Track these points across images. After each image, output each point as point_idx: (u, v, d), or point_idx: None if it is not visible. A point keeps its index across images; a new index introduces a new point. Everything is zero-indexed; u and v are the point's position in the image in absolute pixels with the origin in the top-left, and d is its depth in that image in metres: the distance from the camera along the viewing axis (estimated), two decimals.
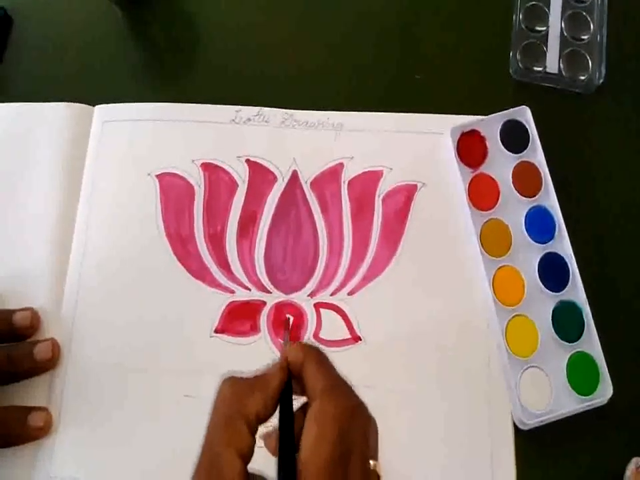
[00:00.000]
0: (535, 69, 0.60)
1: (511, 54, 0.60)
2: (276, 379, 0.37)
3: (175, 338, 0.53)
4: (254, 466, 0.35)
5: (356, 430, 0.35)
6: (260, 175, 0.57)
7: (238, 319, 0.53)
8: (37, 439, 0.49)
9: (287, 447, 0.35)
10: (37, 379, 0.51)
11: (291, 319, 0.53)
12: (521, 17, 0.61)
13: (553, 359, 0.51)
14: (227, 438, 0.34)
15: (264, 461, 0.35)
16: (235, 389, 0.36)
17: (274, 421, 0.37)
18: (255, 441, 0.35)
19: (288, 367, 0.38)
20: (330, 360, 0.38)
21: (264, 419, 0.36)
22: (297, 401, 0.37)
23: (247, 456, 0.34)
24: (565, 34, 0.61)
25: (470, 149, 0.57)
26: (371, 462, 0.35)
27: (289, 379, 0.37)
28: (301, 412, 0.36)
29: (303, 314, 0.53)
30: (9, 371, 0.50)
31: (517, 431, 0.50)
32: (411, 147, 0.58)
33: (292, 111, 0.59)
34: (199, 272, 0.54)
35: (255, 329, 0.53)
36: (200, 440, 0.49)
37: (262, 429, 0.36)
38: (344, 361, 0.38)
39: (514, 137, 0.57)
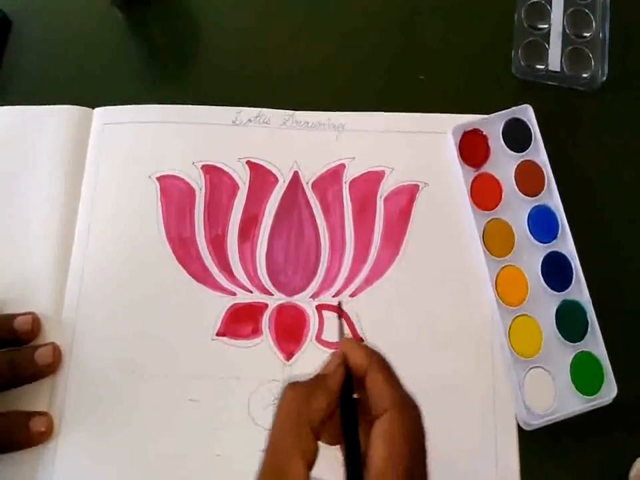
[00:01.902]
0: (537, 67, 0.60)
1: (513, 52, 0.60)
2: (336, 377, 0.37)
3: (176, 341, 0.52)
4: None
5: (422, 448, 0.35)
6: (261, 176, 0.57)
7: (240, 321, 0.53)
8: (39, 443, 0.49)
9: (352, 451, 0.35)
10: (38, 384, 0.50)
11: (330, 312, 0.52)
12: (522, 14, 0.61)
13: (557, 358, 0.51)
14: (294, 444, 0.34)
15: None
16: (298, 394, 0.36)
17: None
18: (319, 446, 0.35)
19: (346, 364, 0.37)
20: (393, 369, 0.37)
21: (326, 419, 0.35)
22: None
23: (311, 462, 0.34)
24: (567, 31, 0.61)
25: (472, 148, 0.56)
26: None
27: (349, 381, 0.37)
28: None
29: (305, 316, 0.53)
30: (10, 376, 0.49)
31: (521, 431, 0.50)
32: (413, 146, 0.57)
33: (293, 111, 0.59)
34: (201, 274, 0.54)
35: (257, 331, 0.53)
36: (202, 443, 0.50)
37: None
38: None
39: (516, 136, 0.56)
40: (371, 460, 0.33)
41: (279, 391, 0.37)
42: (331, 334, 0.52)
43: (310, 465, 0.34)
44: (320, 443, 0.35)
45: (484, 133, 0.57)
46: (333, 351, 0.40)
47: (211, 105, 0.59)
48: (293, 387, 0.36)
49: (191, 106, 0.59)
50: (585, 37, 0.61)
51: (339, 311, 0.50)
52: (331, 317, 0.53)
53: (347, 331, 0.43)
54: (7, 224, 0.56)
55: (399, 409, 0.35)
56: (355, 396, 0.37)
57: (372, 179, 0.57)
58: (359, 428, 0.36)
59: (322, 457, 0.35)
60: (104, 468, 0.49)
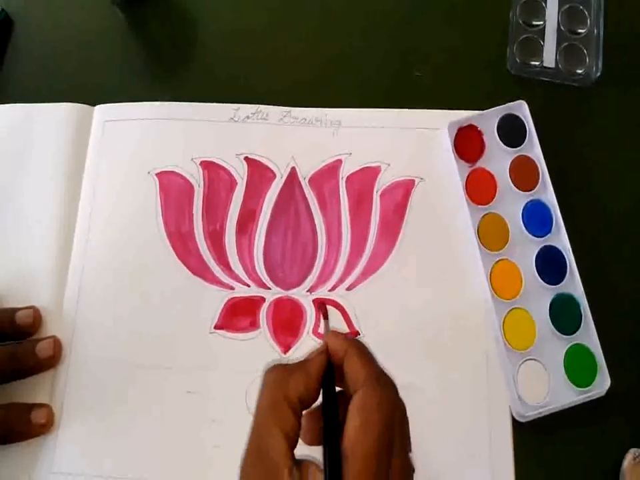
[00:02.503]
0: (532, 63, 0.60)
1: (508, 49, 0.60)
2: (315, 362, 0.37)
3: (175, 334, 0.53)
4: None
5: (398, 421, 0.36)
6: (259, 172, 0.58)
7: (237, 315, 0.53)
8: (40, 435, 0.50)
9: (332, 430, 0.35)
10: (39, 377, 0.51)
11: (328, 306, 0.53)
12: (517, 11, 0.62)
13: (551, 351, 0.51)
14: (273, 421, 0.35)
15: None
16: (277, 374, 0.37)
17: None
18: (300, 425, 0.35)
19: (328, 353, 0.38)
20: (371, 352, 0.38)
21: (307, 402, 0.36)
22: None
23: (292, 439, 0.35)
24: (562, 28, 0.61)
25: (467, 143, 0.57)
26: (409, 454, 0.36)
27: (330, 365, 0.38)
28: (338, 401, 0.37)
29: (301, 309, 0.54)
30: (11, 369, 0.50)
31: (515, 423, 0.50)
32: (409, 142, 0.58)
33: (290, 108, 0.60)
34: (199, 269, 0.55)
35: (254, 324, 0.53)
36: (200, 435, 0.50)
37: None
38: None
39: (511, 131, 0.57)
40: (345, 432, 0.34)
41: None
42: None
43: (291, 441, 0.34)
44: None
45: (479, 129, 0.57)
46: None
47: (210, 102, 0.60)
48: (273, 368, 0.37)
49: (189, 103, 0.60)
50: (580, 33, 0.61)
51: (324, 311, 0.50)
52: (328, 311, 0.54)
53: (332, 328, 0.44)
54: (8, 219, 0.57)
55: (372, 383, 0.36)
56: (338, 389, 0.38)
57: (368, 175, 0.57)
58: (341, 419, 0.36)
59: None
60: (103, 459, 0.50)
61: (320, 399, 0.37)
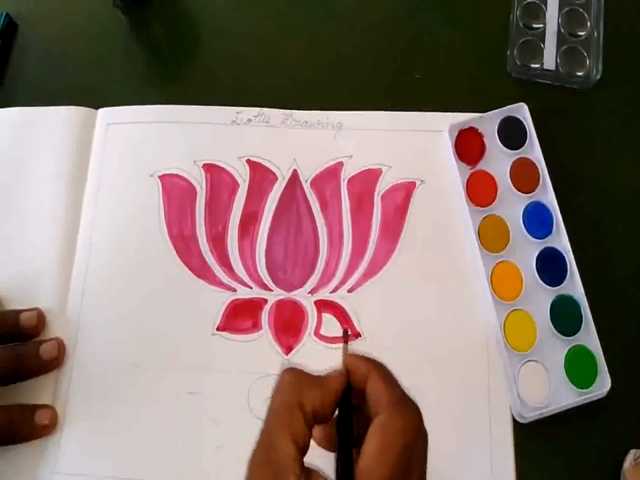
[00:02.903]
0: (533, 65, 0.61)
1: (508, 51, 0.61)
2: (336, 383, 0.37)
3: (178, 336, 0.53)
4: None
5: (419, 446, 0.35)
6: (260, 174, 0.58)
7: (240, 316, 0.54)
8: (43, 436, 0.50)
9: (345, 452, 0.35)
10: (43, 378, 0.52)
11: (349, 331, 0.53)
12: (518, 14, 0.62)
13: (551, 352, 0.52)
14: (284, 425, 0.34)
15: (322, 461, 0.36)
16: (296, 379, 0.36)
17: None
18: (311, 435, 0.35)
19: (348, 376, 0.38)
20: (393, 374, 0.38)
21: (321, 417, 0.36)
22: None
23: (302, 446, 0.34)
24: (562, 30, 0.62)
25: (468, 146, 0.57)
26: None
27: (348, 388, 0.37)
28: (354, 422, 0.37)
29: (303, 311, 0.54)
30: (15, 370, 0.51)
31: (516, 424, 0.50)
32: (410, 144, 0.58)
33: (291, 111, 0.60)
34: (201, 271, 0.55)
35: (256, 326, 0.54)
36: (203, 436, 0.51)
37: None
38: None
39: (511, 134, 0.57)
40: (363, 453, 0.34)
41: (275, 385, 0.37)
42: (329, 329, 0.53)
43: (301, 448, 0.34)
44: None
45: (479, 131, 0.58)
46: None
47: (212, 104, 0.61)
48: (291, 372, 0.37)
49: (192, 106, 0.61)
50: (580, 36, 0.61)
51: (345, 336, 0.50)
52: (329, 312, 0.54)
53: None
54: (13, 222, 0.57)
55: (395, 406, 0.35)
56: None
57: (369, 177, 0.58)
58: (357, 440, 0.36)
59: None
60: (107, 460, 0.50)
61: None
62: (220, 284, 0.55)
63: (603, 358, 0.51)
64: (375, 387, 0.36)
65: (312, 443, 0.36)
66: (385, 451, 0.34)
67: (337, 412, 0.37)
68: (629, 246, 0.56)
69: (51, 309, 0.54)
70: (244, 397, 0.52)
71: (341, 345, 0.52)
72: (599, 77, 0.59)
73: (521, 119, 0.58)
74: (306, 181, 0.58)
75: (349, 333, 0.52)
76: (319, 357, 0.52)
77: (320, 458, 0.36)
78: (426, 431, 0.36)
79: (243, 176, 0.58)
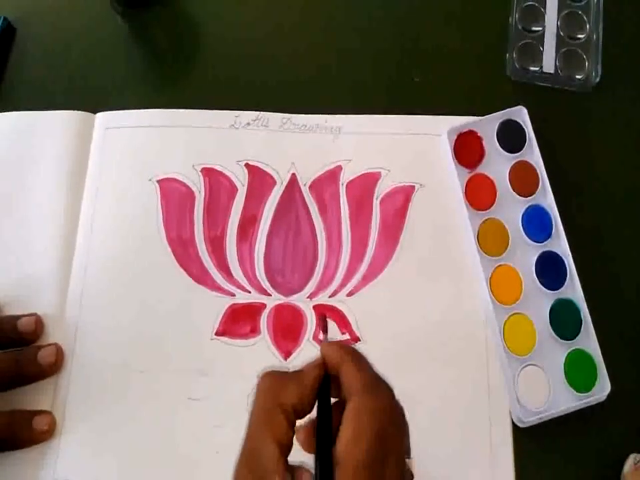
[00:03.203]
0: (532, 68, 0.61)
1: (507, 54, 0.61)
2: (312, 374, 0.37)
3: (176, 341, 0.53)
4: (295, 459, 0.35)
5: (394, 427, 0.35)
6: (259, 178, 0.58)
7: (238, 321, 0.54)
8: (42, 442, 0.50)
9: (324, 440, 0.35)
10: (42, 383, 0.51)
11: (328, 318, 0.53)
12: (517, 16, 0.62)
13: (551, 356, 0.51)
14: (266, 428, 0.35)
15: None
16: (272, 382, 0.37)
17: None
18: (294, 433, 0.36)
19: (325, 365, 0.38)
20: (367, 359, 0.38)
21: (301, 412, 0.36)
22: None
23: (285, 446, 0.35)
24: (561, 33, 0.61)
25: (467, 149, 0.57)
26: (406, 460, 0.36)
27: (326, 376, 0.38)
28: (334, 410, 0.37)
29: (302, 316, 0.54)
30: (14, 376, 0.50)
31: (516, 428, 0.50)
32: (408, 148, 0.58)
33: (290, 114, 0.60)
34: (200, 275, 0.55)
35: (255, 330, 0.53)
36: (201, 441, 0.50)
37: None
38: None
39: (510, 137, 0.57)
40: (338, 440, 0.34)
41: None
42: (329, 333, 0.53)
43: (283, 448, 0.34)
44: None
45: (479, 134, 0.58)
46: None
47: (210, 108, 0.60)
48: (270, 374, 0.37)
49: (190, 110, 0.60)
50: (579, 38, 0.61)
51: (323, 324, 0.51)
52: (328, 316, 0.54)
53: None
54: (11, 226, 0.57)
55: (366, 390, 0.35)
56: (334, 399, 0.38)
57: (368, 180, 0.58)
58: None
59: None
60: (106, 466, 0.50)
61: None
62: (218, 288, 0.55)
63: (603, 362, 0.51)
64: (347, 373, 0.37)
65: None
66: (359, 435, 0.34)
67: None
68: (629, 249, 0.56)
69: (49, 314, 0.54)
70: (243, 401, 0.51)
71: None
72: (598, 79, 0.59)
73: (520, 122, 0.58)
74: (305, 185, 0.58)
75: (327, 322, 0.52)
76: None
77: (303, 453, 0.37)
78: (401, 408, 0.37)
79: (241, 180, 0.58)
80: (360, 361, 0.37)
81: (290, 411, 0.36)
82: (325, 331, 0.42)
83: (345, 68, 0.62)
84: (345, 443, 0.34)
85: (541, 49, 0.61)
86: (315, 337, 0.53)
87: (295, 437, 0.36)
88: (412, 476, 0.36)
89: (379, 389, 0.36)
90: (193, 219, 0.57)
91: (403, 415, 0.37)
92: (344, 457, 0.34)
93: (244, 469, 0.35)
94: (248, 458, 0.35)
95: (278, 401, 0.36)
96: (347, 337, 0.53)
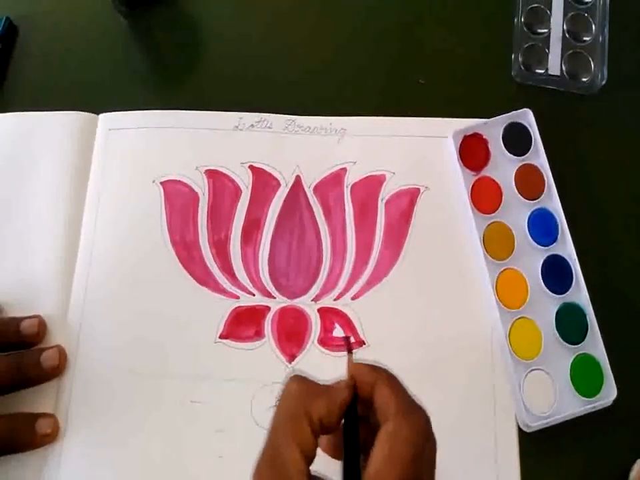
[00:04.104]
0: (537, 71, 0.60)
1: (512, 56, 0.60)
2: (342, 393, 0.37)
3: (180, 343, 0.53)
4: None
5: (427, 453, 0.35)
6: (263, 180, 0.58)
7: (242, 324, 0.53)
8: (45, 445, 0.50)
9: (351, 461, 0.35)
10: (44, 386, 0.51)
11: (352, 337, 0.53)
12: (522, 19, 0.61)
13: (557, 361, 0.51)
14: (291, 434, 0.34)
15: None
16: (302, 389, 0.36)
17: None
18: (317, 445, 0.35)
19: (355, 387, 0.37)
20: (401, 382, 0.37)
21: (327, 427, 0.36)
22: None
23: (309, 456, 0.34)
24: (567, 35, 0.61)
25: (472, 152, 0.57)
26: None
27: (354, 397, 0.37)
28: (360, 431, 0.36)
29: (306, 319, 0.54)
30: (16, 378, 0.50)
31: (521, 433, 0.50)
32: (414, 150, 0.58)
33: (294, 116, 0.59)
34: (204, 278, 0.55)
35: (259, 334, 0.53)
36: (204, 445, 0.50)
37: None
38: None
39: (516, 140, 0.57)
40: (371, 460, 0.34)
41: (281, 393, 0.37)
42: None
43: (307, 457, 0.34)
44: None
45: (484, 137, 0.57)
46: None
47: (214, 110, 0.60)
48: (298, 380, 0.37)
49: (194, 111, 0.60)
50: (585, 41, 0.61)
51: (348, 344, 0.50)
52: (332, 320, 0.54)
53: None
54: (13, 228, 0.56)
55: (403, 414, 0.35)
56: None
57: (373, 183, 0.57)
58: (364, 448, 0.36)
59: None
60: (109, 469, 0.50)
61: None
62: (222, 291, 0.54)
63: (609, 366, 0.51)
64: (382, 396, 0.36)
65: (318, 449, 0.36)
66: (392, 459, 0.33)
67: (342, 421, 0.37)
68: (635, 253, 0.55)
69: (52, 316, 0.53)
70: (247, 405, 0.51)
71: (345, 352, 0.52)
72: (604, 82, 0.59)
73: (526, 124, 0.57)
74: (309, 187, 0.57)
75: (352, 340, 0.52)
76: (323, 365, 0.52)
77: (326, 464, 0.36)
78: (434, 436, 0.36)
79: (245, 182, 0.58)
80: (394, 383, 0.37)
81: (317, 422, 0.35)
82: (350, 350, 0.42)
83: (350, 70, 0.62)
84: (377, 467, 0.33)
85: (547, 51, 0.61)
86: (320, 340, 0.53)
87: (319, 443, 0.36)
88: None
89: (415, 414, 0.36)
90: (197, 221, 0.56)
91: (435, 443, 0.36)
92: (376, 476, 0.33)
93: (265, 473, 0.34)
94: (270, 462, 0.34)
95: (306, 410, 0.35)
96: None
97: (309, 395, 0.36)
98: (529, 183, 0.56)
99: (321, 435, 0.36)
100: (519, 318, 0.52)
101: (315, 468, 0.35)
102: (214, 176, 0.58)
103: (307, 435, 0.34)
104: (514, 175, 0.56)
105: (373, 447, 0.34)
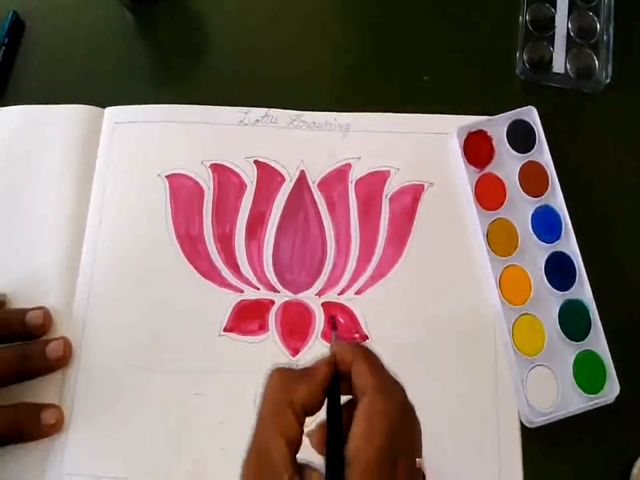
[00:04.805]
0: (542, 69, 0.60)
1: (517, 54, 0.60)
2: (322, 371, 0.37)
3: (184, 337, 0.53)
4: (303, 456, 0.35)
5: (405, 428, 0.35)
6: (268, 175, 0.58)
7: (247, 317, 0.54)
8: (50, 435, 0.50)
9: (334, 439, 0.35)
10: (49, 377, 0.51)
11: (337, 316, 0.53)
12: (527, 17, 0.62)
13: (560, 357, 0.51)
14: (275, 425, 0.35)
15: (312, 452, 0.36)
16: (282, 378, 0.37)
17: (319, 419, 0.37)
18: (303, 431, 0.36)
19: (334, 363, 0.38)
20: (379, 358, 0.38)
21: (310, 410, 0.36)
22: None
23: (294, 444, 0.35)
24: (572, 34, 0.61)
25: (477, 149, 0.57)
26: (417, 460, 0.35)
27: (336, 374, 0.38)
28: (345, 409, 0.37)
29: (310, 313, 0.54)
30: (21, 370, 0.50)
31: (524, 429, 0.50)
32: (418, 147, 0.58)
33: (299, 112, 0.60)
34: (208, 272, 0.55)
35: (263, 327, 0.53)
36: (207, 437, 0.50)
37: (307, 427, 0.37)
38: None
39: (520, 137, 0.57)
40: (349, 439, 0.34)
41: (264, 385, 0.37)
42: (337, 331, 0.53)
43: (293, 446, 0.34)
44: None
45: (488, 134, 0.57)
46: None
47: (220, 104, 0.60)
48: (280, 371, 0.37)
49: (200, 106, 0.60)
50: (590, 39, 0.61)
51: (333, 323, 0.51)
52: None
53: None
54: (19, 220, 0.57)
55: (378, 389, 0.35)
56: (346, 397, 0.38)
57: (377, 179, 0.57)
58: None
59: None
60: (113, 460, 0.50)
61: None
62: (227, 285, 0.55)
63: (612, 363, 0.51)
64: (359, 372, 0.37)
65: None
66: (370, 435, 0.34)
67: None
68: (639, 251, 0.55)
69: (57, 308, 0.53)
70: (250, 398, 0.51)
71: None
72: (608, 80, 0.59)
73: (530, 122, 0.57)
74: (313, 182, 0.58)
75: (336, 319, 0.53)
76: None
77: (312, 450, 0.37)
78: (414, 410, 0.37)
79: (250, 177, 0.58)
80: (372, 360, 0.37)
81: (299, 408, 0.35)
82: (334, 328, 0.42)
83: (355, 66, 0.62)
84: (356, 443, 0.34)
85: (551, 49, 0.61)
86: (324, 335, 0.53)
87: (309, 440, 0.36)
88: (424, 476, 0.36)
89: (391, 389, 0.36)
90: (202, 215, 0.57)
91: (415, 415, 0.37)
92: (355, 456, 0.34)
93: (252, 465, 0.35)
94: (256, 455, 0.35)
95: (287, 398, 0.35)
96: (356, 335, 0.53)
97: (290, 383, 0.36)
98: (532, 180, 0.56)
99: (306, 417, 0.36)
100: (522, 314, 0.52)
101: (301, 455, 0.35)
102: (219, 170, 0.58)
103: (291, 423, 0.35)
104: (518, 172, 0.56)
105: (352, 423, 0.35)
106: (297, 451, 0.35)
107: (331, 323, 0.52)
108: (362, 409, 0.35)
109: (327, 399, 0.37)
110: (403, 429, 0.35)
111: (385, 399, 0.35)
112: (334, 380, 0.38)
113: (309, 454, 0.36)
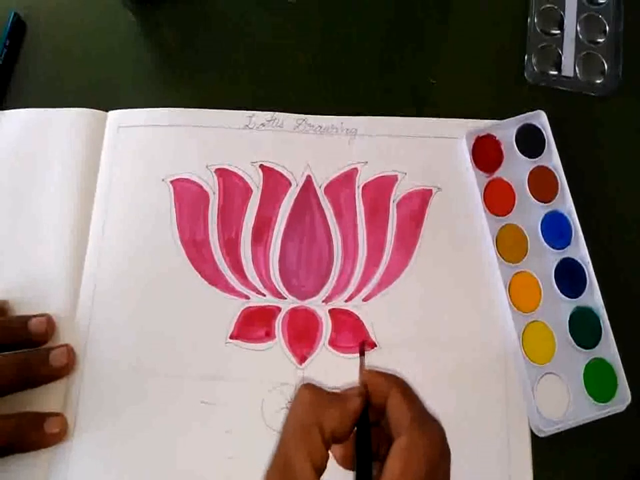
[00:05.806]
0: (550, 72, 0.60)
1: (526, 57, 0.60)
2: (355, 402, 0.36)
3: (190, 344, 0.52)
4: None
5: (442, 465, 0.35)
6: (274, 180, 0.57)
7: (253, 324, 0.53)
8: (53, 444, 0.49)
9: (364, 471, 0.35)
10: (53, 385, 0.51)
11: (366, 343, 0.52)
12: (535, 20, 0.61)
13: (570, 365, 0.51)
14: (302, 444, 0.34)
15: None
16: (313, 397, 0.36)
17: None
18: (329, 456, 0.35)
19: (368, 395, 0.37)
20: (415, 391, 0.37)
21: (338, 437, 0.35)
22: None
23: (319, 467, 0.34)
24: (580, 37, 0.61)
25: (485, 153, 0.56)
26: None
27: (367, 404, 0.37)
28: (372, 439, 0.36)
29: (317, 320, 0.53)
30: (25, 377, 0.50)
31: (534, 437, 0.50)
32: (426, 151, 0.57)
33: (305, 115, 0.59)
34: (214, 277, 0.54)
35: (270, 334, 0.53)
36: (214, 445, 0.50)
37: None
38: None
39: (529, 142, 0.56)
40: (384, 473, 0.33)
41: (291, 394, 0.37)
42: (344, 338, 0.53)
43: (317, 468, 0.34)
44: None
45: (497, 138, 0.57)
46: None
47: (223, 108, 0.60)
48: (311, 389, 0.36)
49: (204, 109, 0.60)
50: (598, 42, 0.61)
51: (361, 348, 0.49)
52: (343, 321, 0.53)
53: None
54: (22, 225, 0.56)
55: (418, 428, 0.35)
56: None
57: (385, 184, 0.57)
58: (377, 455, 0.36)
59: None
60: (117, 469, 0.49)
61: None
62: (233, 291, 0.54)
63: (623, 371, 0.50)
64: (395, 405, 0.36)
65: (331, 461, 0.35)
66: (407, 473, 0.33)
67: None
68: None
69: (61, 314, 0.53)
70: (257, 406, 0.51)
71: (356, 354, 0.52)
72: (617, 83, 0.59)
73: (539, 126, 0.57)
74: (320, 187, 0.57)
75: (366, 345, 0.52)
76: (334, 366, 0.51)
77: (336, 474, 0.36)
78: (449, 448, 0.36)
79: (256, 181, 0.57)
80: (408, 393, 0.37)
81: (328, 433, 0.35)
82: (362, 354, 0.41)
83: (361, 70, 0.61)
84: (393, 477, 0.33)
85: (560, 52, 0.60)
86: (331, 342, 0.52)
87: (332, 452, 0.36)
88: None
89: (429, 426, 0.35)
90: (207, 220, 0.56)
91: (449, 457, 0.36)
92: None
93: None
94: (281, 472, 0.34)
95: (317, 420, 0.35)
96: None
97: (321, 405, 0.35)
98: (542, 185, 0.55)
99: (332, 444, 0.35)
100: (532, 321, 0.52)
101: (325, 478, 0.35)
102: (224, 175, 0.57)
103: (318, 446, 0.34)
104: (527, 176, 0.55)
105: (387, 461, 0.34)
106: (321, 473, 0.34)
107: (360, 347, 0.50)
108: (399, 446, 0.34)
109: (356, 430, 0.37)
110: (439, 467, 0.34)
111: (424, 437, 0.34)
112: (365, 411, 0.37)
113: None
